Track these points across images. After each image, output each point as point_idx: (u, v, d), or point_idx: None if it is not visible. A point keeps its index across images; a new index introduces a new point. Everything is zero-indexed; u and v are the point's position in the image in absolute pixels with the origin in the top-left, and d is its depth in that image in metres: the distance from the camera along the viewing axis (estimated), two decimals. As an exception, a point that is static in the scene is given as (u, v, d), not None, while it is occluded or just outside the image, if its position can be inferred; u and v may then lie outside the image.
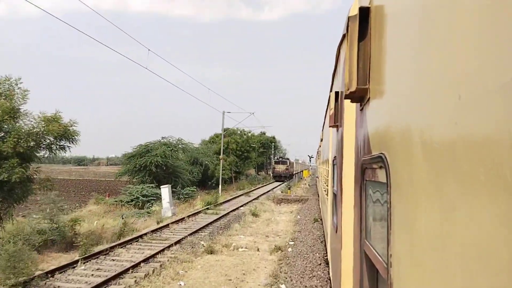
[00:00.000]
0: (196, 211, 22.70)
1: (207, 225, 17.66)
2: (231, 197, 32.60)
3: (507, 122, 0.55)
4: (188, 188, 34.66)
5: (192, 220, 19.63)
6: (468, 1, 0.73)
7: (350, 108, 2.68)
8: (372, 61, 1.72)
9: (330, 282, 6.60)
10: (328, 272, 8.53)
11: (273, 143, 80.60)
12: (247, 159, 60.30)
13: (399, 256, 1.20)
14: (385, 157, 1.37)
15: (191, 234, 15.47)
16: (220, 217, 20.25)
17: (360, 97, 1.94)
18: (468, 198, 0.69)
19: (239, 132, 63.18)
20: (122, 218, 21.80)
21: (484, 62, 0.65)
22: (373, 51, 1.71)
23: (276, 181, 61.38)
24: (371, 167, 1.71)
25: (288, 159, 68.10)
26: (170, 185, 23.74)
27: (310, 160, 76.57)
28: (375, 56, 1.65)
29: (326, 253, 9.50)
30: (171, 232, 16.37)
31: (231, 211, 22.92)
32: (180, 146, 39.10)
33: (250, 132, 65.29)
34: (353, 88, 1.85)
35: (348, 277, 2.73)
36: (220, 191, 34.92)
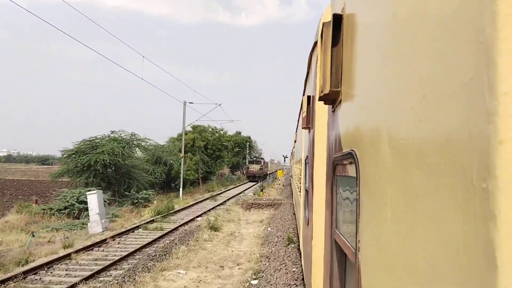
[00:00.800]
0: (142, 222, 17.52)
1: (135, 251, 12.13)
2: (194, 202, 27.66)
3: (467, 118, 0.60)
4: (144, 191, 29.56)
5: (119, 243, 13.83)
6: (431, 11, 0.79)
7: (322, 110, 2.75)
8: (344, 66, 1.79)
9: (302, 268, 6.93)
10: (300, 259, 8.01)
11: (248, 143, 75.87)
12: (219, 158, 55.27)
13: (366, 241, 1.28)
14: (355, 153, 1.45)
15: (94, 274, 9.53)
16: (164, 235, 15.09)
17: (332, 99, 2.01)
18: (431, 188, 0.75)
19: (210, 129, 58.05)
20: (33, 236, 16.33)
21: (446, 64, 0.70)
22: (345, 56, 1.79)
23: (250, 181, 56.90)
24: (342, 163, 1.81)
25: (262, 158, 63.76)
26: (102, 191, 18.69)
27: (284, 160, 74.17)
28: (347, 61, 1.73)
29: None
30: (64, 271, 10.26)
31: (183, 224, 17.92)
32: (134, 142, 33.58)
33: (222, 130, 60.21)
34: (326, 91, 1.91)
35: (319, 263, 2.89)
36: (181, 195, 29.77)
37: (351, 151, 1.50)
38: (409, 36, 0.92)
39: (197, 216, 20.66)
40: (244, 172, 62.35)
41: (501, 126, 0.52)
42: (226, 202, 28.17)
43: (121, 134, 32.38)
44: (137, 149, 35.36)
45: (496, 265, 0.49)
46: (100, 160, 27.89)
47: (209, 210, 22.97)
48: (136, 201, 26.71)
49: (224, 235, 15.71)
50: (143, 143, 34.76)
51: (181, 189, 30.60)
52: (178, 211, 22.77)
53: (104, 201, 20.16)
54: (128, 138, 32.87)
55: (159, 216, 19.42)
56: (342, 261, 1.95)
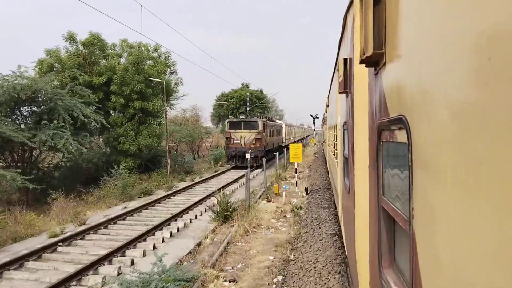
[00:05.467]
0: None
1: None
2: None
3: None
4: None
5: None
6: None
7: (361, 73, 2.65)
8: (388, 26, 1.72)
9: (342, 239, 6.70)
10: (340, 229, 8.19)
11: (255, 96, 43.42)
12: (143, 114, 22.57)
13: (421, 209, 1.24)
14: (405, 119, 1.39)
15: None
16: None
17: (375, 61, 1.94)
18: (496, 155, 0.72)
19: (127, 45, 23.79)
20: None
21: None
22: (388, 15, 1.71)
23: (236, 166, 24.78)
24: (389, 128, 1.74)
25: (265, 118, 29.81)
26: None
27: (314, 122, 53.48)
28: (391, 20, 1.65)
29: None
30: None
31: None
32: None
33: (157, 50, 23.60)
34: (369, 53, 1.85)
35: (363, 232, 2.76)
36: None
37: (400, 116, 1.46)
38: None
39: None
40: (225, 146, 29.69)
41: None
42: None
43: None
44: None
45: None
46: None
47: None
48: None
49: None
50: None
51: None
52: None
53: None
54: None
55: None
56: (391, 228, 1.92)
